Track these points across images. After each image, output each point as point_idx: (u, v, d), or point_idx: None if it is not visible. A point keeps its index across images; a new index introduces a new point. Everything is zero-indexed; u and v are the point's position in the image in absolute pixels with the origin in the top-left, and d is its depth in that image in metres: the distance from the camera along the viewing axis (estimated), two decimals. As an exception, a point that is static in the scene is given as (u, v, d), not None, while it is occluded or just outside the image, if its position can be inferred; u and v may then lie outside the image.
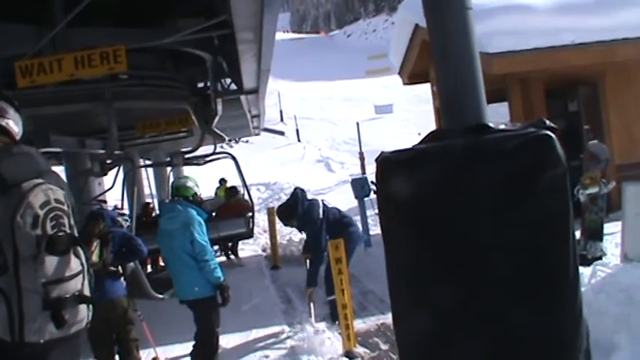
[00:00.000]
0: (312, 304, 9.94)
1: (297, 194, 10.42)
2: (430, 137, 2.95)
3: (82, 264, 2.94)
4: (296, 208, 10.23)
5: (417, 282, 2.83)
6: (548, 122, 2.74)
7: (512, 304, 2.66)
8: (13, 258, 2.74)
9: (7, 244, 2.74)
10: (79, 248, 2.95)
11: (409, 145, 2.94)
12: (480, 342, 2.69)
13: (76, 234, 2.98)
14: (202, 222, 7.99)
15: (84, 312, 2.93)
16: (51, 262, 2.79)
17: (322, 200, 10.54)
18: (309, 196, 10.72)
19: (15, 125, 3.19)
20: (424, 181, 2.74)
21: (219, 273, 7.83)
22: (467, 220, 2.68)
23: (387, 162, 2.91)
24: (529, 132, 2.68)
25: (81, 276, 2.92)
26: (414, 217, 2.79)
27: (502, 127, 2.82)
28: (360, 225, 14.10)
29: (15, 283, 2.73)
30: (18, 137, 3.21)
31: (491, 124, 2.82)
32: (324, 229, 9.92)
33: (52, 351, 2.86)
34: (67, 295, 2.83)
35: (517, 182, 2.63)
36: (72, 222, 2.96)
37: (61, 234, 2.86)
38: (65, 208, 2.95)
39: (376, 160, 2.97)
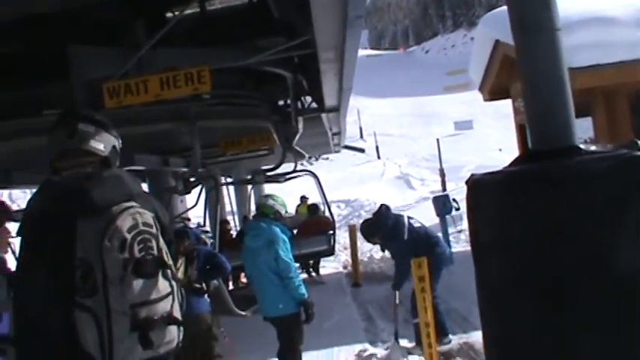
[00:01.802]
0: (396, 324, 9.83)
1: (382, 211, 10.33)
2: (520, 159, 2.91)
3: (171, 286, 2.97)
4: (380, 226, 10.16)
5: (508, 303, 2.79)
6: (639, 143, 2.69)
7: (597, 333, 2.60)
8: (102, 280, 2.80)
9: (97, 267, 2.80)
10: (168, 270, 2.99)
11: (491, 162, 2.92)
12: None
13: (166, 256, 3.02)
14: (286, 239, 8.04)
15: (174, 333, 2.96)
16: (138, 284, 2.83)
17: (409, 217, 10.32)
18: (395, 213, 10.57)
19: (104, 147, 3.25)
20: (515, 205, 2.71)
21: (303, 290, 7.86)
22: (558, 244, 2.63)
23: (478, 184, 2.89)
24: (621, 154, 2.63)
25: (170, 298, 2.95)
26: (506, 239, 2.76)
27: (592, 148, 2.77)
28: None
29: (104, 305, 2.78)
30: (110, 159, 3.27)
31: (582, 146, 2.78)
32: (409, 249, 9.72)
33: None
34: (156, 317, 2.86)
35: (609, 205, 2.58)
36: (161, 244, 2.99)
37: (148, 257, 2.89)
38: (154, 231, 2.99)
39: (466, 182, 2.95)
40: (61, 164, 3.19)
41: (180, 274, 7.87)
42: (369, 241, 10.92)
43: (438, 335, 9.65)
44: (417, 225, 10.10)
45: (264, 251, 7.94)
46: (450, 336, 9.79)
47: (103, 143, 3.24)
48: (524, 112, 2.98)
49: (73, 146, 3.18)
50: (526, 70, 2.92)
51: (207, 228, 15.48)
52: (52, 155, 3.23)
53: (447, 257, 10.10)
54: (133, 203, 2.98)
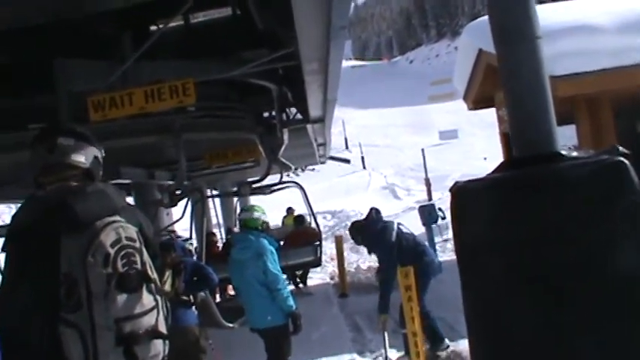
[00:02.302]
0: (385, 333, 9.82)
1: (372, 215, 10.37)
2: (503, 166, 2.94)
3: (155, 300, 2.98)
4: (368, 228, 10.19)
5: (494, 310, 2.81)
6: (620, 148, 2.72)
7: (587, 334, 2.63)
8: (87, 295, 2.80)
9: (81, 282, 2.80)
10: (152, 285, 2.99)
11: (476, 170, 2.94)
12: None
13: (150, 270, 3.02)
14: (274, 251, 8.06)
15: (159, 347, 2.96)
16: (122, 299, 2.83)
17: (398, 224, 10.28)
18: (384, 219, 10.58)
19: (85, 159, 3.25)
20: (499, 211, 2.73)
21: (291, 302, 7.88)
22: (543, 248, 2.66)
23: (462, 191, 2.91)
24: (602, 159, 2.66)
25: (155, 311, 2.95)
26: (491, 245, 2.78)
27: (575, 154, 2.81)
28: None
29: (89, 320, 2.78)
30: (92, 170, 3.28)
31: (564, 152, 2.81)
32: (394, 254, 9.74)
33: None
34: (140, 331, 2.86)
35: (592, 209, 2.61)
36: (144, 258, 2.99)
37: (132, 272, 2.89)
38: (137, 245, 2.99)
39: (450, 189, 2.97)
40: (45, 179, 3.19)
41: (167, 287, 7.86)
42: (356, 242, 10.91)
43: (433, 343, 9.68)
44: (406, 231, 10.09)
45: (252, 263, 7.94)
46: (447, 341, 9.77)
47: (84, 155, 3.24)
48: (507, 120, 3.01)
49: (55, 160, 3.18)
50: (507, 78, 2.95)
51: (190, 239, 15.51)
52: (36, 170, 3.24)
53: (435, 266, 10.05)
54: (116, 217, 2.98)
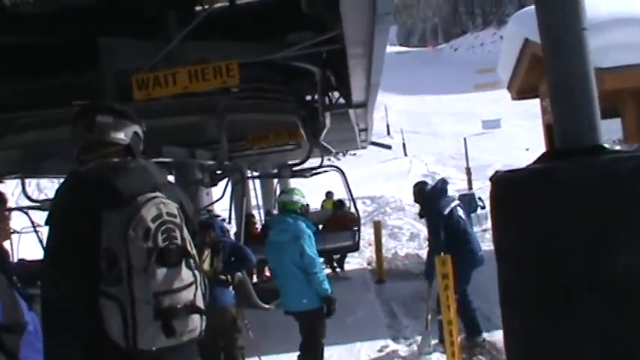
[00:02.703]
0: (428, 317, 9.74)
1: (439, 182, 10.37)
2: (544, 157, 2.91)
3: (194, 275, 3.01)
4: (430, 190, 10.12)
5: (532, 302, 2.79)
6: None
7: (620, 322, 2.61)
8: (127, 269, 2.84)
9: (122, 256, 2.84)
10: (191, 260, 3.02)
11: (518, 161, 2.91)
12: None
13: (190, 246, 3.05)
14: (312, 235, 8.07)
15: (196, 322, 3.00)
16: (161, 273, 2.87)
17: (457, 204, 10.12)
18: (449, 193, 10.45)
19: (124, 135, 3.30)
20: (539, 202, 2.71)
21: (327, 285, 7.89)
22: (582, 243, 2.63)
23: (503, 181, 2.89)
24: (645, 153, 2.63)
25: (193, 287, 2.99)
26: (531, 236, 2.76)
27: (618, 148, 2.77)
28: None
29: (129, 293, 2.82)
30: (132, 147, 3.32)
31: (606, 145, 2.78)
32: (441, 225, 9.68)
33: (165, 358, 2.94)
34: (179, 306, 2.90)
35: (634, 204, 2.58)
36: (184, 234, 3.03)
37: (172, 246, 2.93)
38: (177, 221, 3.02)
39: (491, 179, 2.95)
40: (86, 157, 3.25)
41: (206, 266, 7.91)
42: (414, 199, 10.77)
43: (470, 333, 9.62)
44: (460, 214, 9.94)
45: (289, 246, 7.97)
46: (484, 334, 9.69)
47: (123, 132, 3.29)
48: (551, 111, 2.98)
49: (94, 139, 3.24)
50: (552, 69, 2.92)
51: (229, 220, 15.56)
52: (77, 148, 3.29)
53: (477, 257, 9.89)
54: (157, 194, 3.02)
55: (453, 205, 9.83)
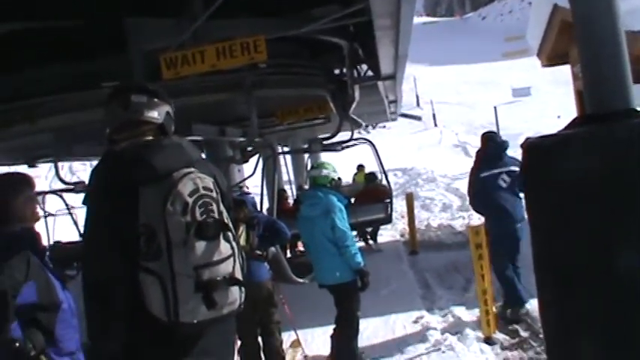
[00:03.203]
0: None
1: (502, 140, 10.25)
2: (576, 122, 2.89)
3: (232, 248, 3.05)
4: (492, 142, 10.06)
5: (566, 271, 2.78)
6: None
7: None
8: (166, 244, 2.88)
9: (160, 231, 2.88)
10: (229, 233, 3.06)
11: (549, 129, 2.90)
12: (632, 330, 2.63)
13: (227, 219, 3.09)
14: (343, 208, 8.09)
15: (236, 294, 3.04)
16: (200, 246, 2.91)
17: (508, 174, 9.72)
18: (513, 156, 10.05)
19: (158, 114, 3.34)
20: (572, 168, 2.69)
21: (359, 258, 7.91)
22: (617, 210, 2.61)
23: (534, 147, 2.88)
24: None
25: (231, 259, 3.03)
26: (563, 204, 2.74)
27: (650, 111, 2.75)
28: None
29: (169, 267, 2.86)
30: (165, 125, 3.36)
31: (639, 109, 2.75)
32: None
33: (206, 330, 3.00)
34: (218, 278, 2.95)
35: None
36: (221, 208, 3.07)
37: (209, 220, 2.97)
38: (214, 195, 3.06)
39: (521, 145, 2.94)
40: (119, 136, 3.29)
41: (242, 241, 7.96)
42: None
43: (510, 304, 9.53)
44: (500, 183, 9.68)
45: (321, 220, 8.00)
46: (527, 306, 9.51)
47: (156, 111, 3.34)
48: (581, 77, 2.95)
49: (128, 117, 3.29)
50: (582, 33, 2.89)
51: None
52: (109, 128, 3.33)
53: (508, 230, 9.65)
54: (192, 169, 3.06)
55: (495, 171, 9.62)
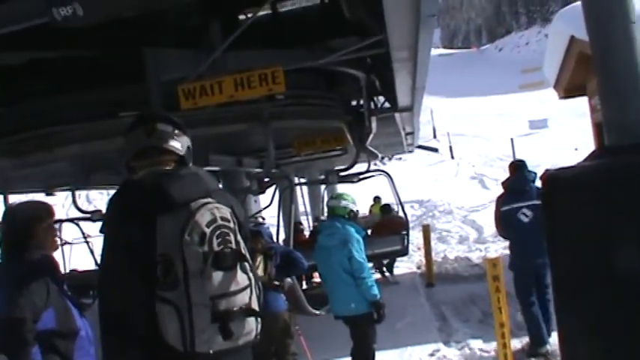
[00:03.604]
0: None
1: (529, 173, 9.86)
2: (595, 155, 2.88)
3: (249, 278, 3.05)
4: (520, 172, 9.82)
5: (586, 302, 2.76)
6: None
7: None
8: (183, 273, 2.87)
9: (177, 261, 2.88)
10: (246, 263, 3.05)
11: (567, 161, 2.89)
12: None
13: (244, 250, 3.09)
14: (360, 239, 8.08)
15: (252, 325, 3.03)
16: (218, 277, 2.91)
17: (524, 206, 9.46)
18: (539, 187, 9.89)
19: (181, 146, 3.35)
20: (592, 200, 2.68)
21: (375, 290, 7.88)
22: (635, 242, 2.60)
23: (554, 179, 2.87)
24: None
25: (248, 290, 3.02)
26: (583, 234, 2.73)
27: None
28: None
29: (186, 297, 2.85)
30: (186, 158, 3.37)
31: (658, 142, 2.74)
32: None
33: None
34: (235, 308, 2.94)
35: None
36: (238, 238, 3.07)
37: (226, 250, 2.97)
38: (231, 225, 3.06)
39: (541, 177, 2.93)
40: (139, 163, 3.30)
41: (259, 272, 7.95)
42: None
43: (532, 341, 9.39)
44: (527, 220, 9.36)
45: (337, 251, 7.99)
46: (548, 347, 9.34)
47: (180, 143, 3.36)
48: (600, 108, 2.94)
49: (151, 144, 3.29)
50: (600, 64, 2.89)
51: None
52: (129, 155, 3.34)
53: (524, 264, 9.54)
54: (209, 199, 3.06)
55: (514, 206, 9.48)
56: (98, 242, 3.60)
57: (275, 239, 12.93)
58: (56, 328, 3.92)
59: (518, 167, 9.99)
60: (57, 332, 3.92)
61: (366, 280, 7.85)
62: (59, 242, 4.56)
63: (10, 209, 4.46)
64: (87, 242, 16.01)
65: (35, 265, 4.02)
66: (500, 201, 9.78)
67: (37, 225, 4.18)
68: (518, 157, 39.25)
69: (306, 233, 19.35)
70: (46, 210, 4.36)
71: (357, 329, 8.06)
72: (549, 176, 2.88)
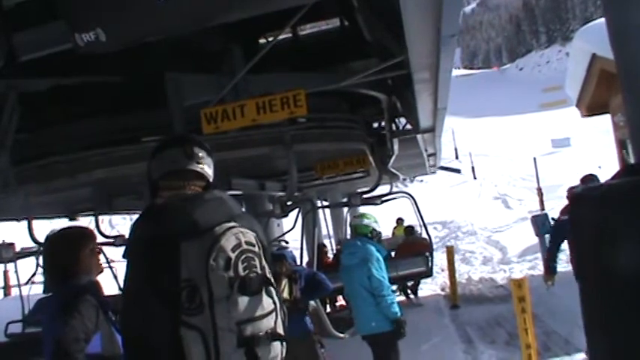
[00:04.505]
0: None
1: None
2: (622, 173, 2.85)
3: (274, 303, 3.03)
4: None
5: (616, 325, 2.71)
6: None
7: None
8: (209, 299, 2.86)
9: (203, 286, 2.86)
10: (271, 288, 3.04)
11: (591, 180, 2.86)
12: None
13: (268, 274, 3.07)
14: (380, 258, 8.07)
15: (278, 349, 3.01)
16: (243, 302, 2.89)
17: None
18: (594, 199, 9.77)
19: (209, 169, 3.36)
20: (620, 218, 2.64)
21: (395, 308, 7.86)
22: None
23: (580, 197, 2.84)
24: None
25: (274, 314, 3.00)
26: (611, 254, 2.69)
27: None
28: (541, 263, 13.68)
29: (211, 323, 2.84)
30: (212, 183, 3.37)
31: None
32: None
33: None
34: (261, 333, 2.92)
35: None
36: (263, 263, 3.06)
37: (252, 275, 2.95)
38: (256, 249, 3.05)
39: (568, 196, 2.91)
40: (169, 183, 3.27)
41: (285, 295, 7.95)
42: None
43: None
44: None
45: (358, 269, 8.02)
46: (555, 359, 9.29)
47: (211, 168, 3.36)
48: (625, 125, 2.91)
49: (189, 166, 3.27)
50: (625, 79, 2.86)
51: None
52: (161, 173, 3.32)
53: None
54: (234, 223, 3.04)
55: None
56: (121, 267, 3.61)
57: (299, 262, 12.94)
58: (101, 352, 3.94)
59: (589, 180, 10.02)
60: (100, 357, 3.94)
61: (386, 297, 7.84)
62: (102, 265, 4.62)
63: (51, 236, 4.51)
64: (110, 268, 16.08)
65: (83, 289, 4.06)
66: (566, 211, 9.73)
67: (81, 250, 4.23)
68: (542, 176, 39.36)
69: (330, 256, 19.32)
70: (89, 235, 4.43)
71: (378, 349, 8.03)
72: (576, 195, 2.85)
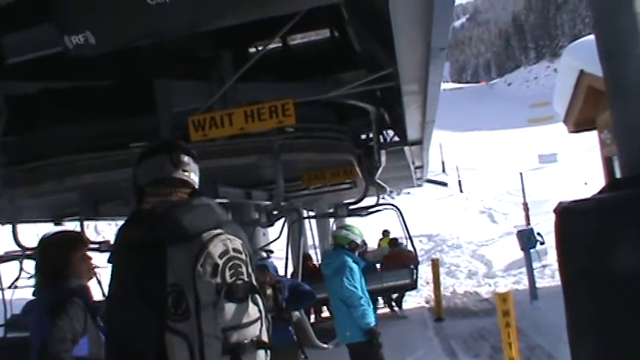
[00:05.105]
0: None
1: None
2: (609, 187, 2.85)
3: (260, 311, 3.02)
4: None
5: (602, 340, 2.72)
6: None
7: None
8: (195, 305, 2.85)
9: (189, 292, 2.85)
10: (257, 296, 3.03)
11: (576, 196, 2.86)
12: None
13: (254, 282, 3.07)
14: (354, 268, 8.10)
15: (262, 357, 3.01)
16: (230, 309, 2.88)
17: None
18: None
19: (195, 176, 3.34)
20: (607, 233, 2.64)
21: (368, 318, 7.90)
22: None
23: (567, 212, 2.83)
24: None
25: (259, 322, 3.00)
26: (598, 269, 2.69)
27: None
28: (526, 277, 13.72)
29: (196, 329, 2.83)
30: (198, 190, 3.35)
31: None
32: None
33: None
34: (246, 341, 2.91)
35: None
36: (250, 270, 3.06)
37: (239, 282, 2.95)
38: (243, 257, 3.04)
39: (555, 210, 2.90)
40: (155, 190, 3.25)
41: (270, 304, 7.94)
42: None
43: None
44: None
45: (333, 279, 8.15)
46: None
47: (197, 176, 3.33)
48: (612, 142, 2.92)
49: (176, 174, 3.25)
50: (614, 96, 2.87)
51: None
52: (148, 180, 3.29)
53: None
54: (221, 230, 3.03)
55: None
56: (106, 273, 3.59)
57: (283, 272, 12.90)
58: (87, 355, 3.94)
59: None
60: None
61: (358, 308, 7.88)
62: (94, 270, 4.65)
63: (44, 239, 4.53)
64: (95, 273, 15.99)
65: (72, 292, 4.09)
66: None
67: (73, 254, 4.26)
68: (528, 191, 39.47)
69: (316, 263, 19.29)
70: (81, 239, 4.46)
71: (355, 358, 8.04)
72: (563, 209, 2.85)
